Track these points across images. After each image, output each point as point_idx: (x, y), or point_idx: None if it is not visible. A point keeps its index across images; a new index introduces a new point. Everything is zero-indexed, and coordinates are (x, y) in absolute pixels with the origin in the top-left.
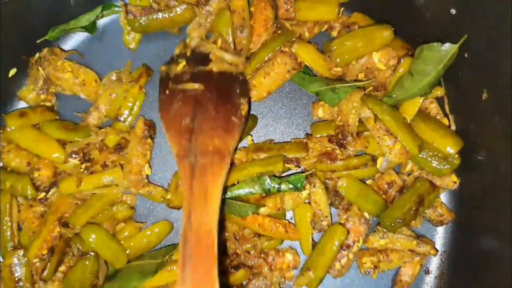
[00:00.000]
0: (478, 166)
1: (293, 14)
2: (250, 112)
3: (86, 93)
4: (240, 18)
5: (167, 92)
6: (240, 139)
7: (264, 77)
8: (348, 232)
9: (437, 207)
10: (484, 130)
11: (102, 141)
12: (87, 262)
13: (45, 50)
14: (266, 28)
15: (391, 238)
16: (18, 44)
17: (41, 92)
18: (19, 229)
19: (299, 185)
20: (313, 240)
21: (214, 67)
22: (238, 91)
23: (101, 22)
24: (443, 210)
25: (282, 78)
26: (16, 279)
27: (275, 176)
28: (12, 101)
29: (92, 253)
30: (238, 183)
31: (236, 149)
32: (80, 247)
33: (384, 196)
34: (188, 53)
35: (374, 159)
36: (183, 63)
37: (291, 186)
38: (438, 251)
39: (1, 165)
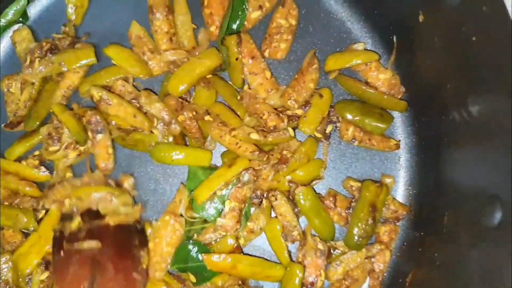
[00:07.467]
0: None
1: None
2: None
3: None
4: None
5: (62, 254)
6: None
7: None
8: (306, 268)
9: (389, 204)
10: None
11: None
12: None
13: None
14: (223, 7)
15: (344, 261)
16: None
17: None
18: None
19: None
20: (289, 252)
21: (110, 220)
22: (137, 242)
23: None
24: (396, 205)
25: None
26: None
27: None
28: None
29: None
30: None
31: None
32: None
33: (336, 217)
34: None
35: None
36: (78, 219)
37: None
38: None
39: None
